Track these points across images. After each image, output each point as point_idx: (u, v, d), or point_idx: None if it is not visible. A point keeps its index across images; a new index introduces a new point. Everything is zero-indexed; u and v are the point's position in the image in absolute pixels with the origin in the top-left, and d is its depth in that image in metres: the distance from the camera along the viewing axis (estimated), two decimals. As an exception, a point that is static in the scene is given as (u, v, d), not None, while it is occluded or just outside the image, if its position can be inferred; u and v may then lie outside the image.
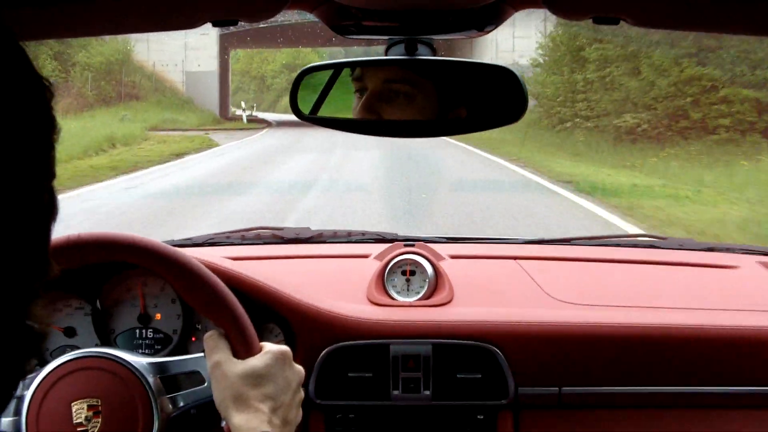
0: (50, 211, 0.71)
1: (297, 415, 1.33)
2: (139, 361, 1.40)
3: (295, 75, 1.46)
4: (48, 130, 0.70)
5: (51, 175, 0.71)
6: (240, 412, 1.24)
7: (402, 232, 2.34)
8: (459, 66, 1.41)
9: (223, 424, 1.30)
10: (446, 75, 1.40)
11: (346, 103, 1.43)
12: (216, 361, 1.30)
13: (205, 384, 1.39)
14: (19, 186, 0.66)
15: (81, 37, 1.41)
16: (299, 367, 1.36)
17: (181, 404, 1.40)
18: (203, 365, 1.39)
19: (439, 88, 1.39)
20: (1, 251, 0.64)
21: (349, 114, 1.43)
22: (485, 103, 1.43)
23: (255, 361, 1.30)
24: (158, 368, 1.41)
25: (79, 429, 1.32)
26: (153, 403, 1.36)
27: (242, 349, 1.33)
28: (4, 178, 0.64)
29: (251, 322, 1.37)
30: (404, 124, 1.41)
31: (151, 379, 1.38)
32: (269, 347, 1.34)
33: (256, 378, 1.28)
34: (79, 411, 1.33)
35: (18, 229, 0.66)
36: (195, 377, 1.41)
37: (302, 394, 1.36)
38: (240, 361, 1.30)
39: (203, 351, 1.36)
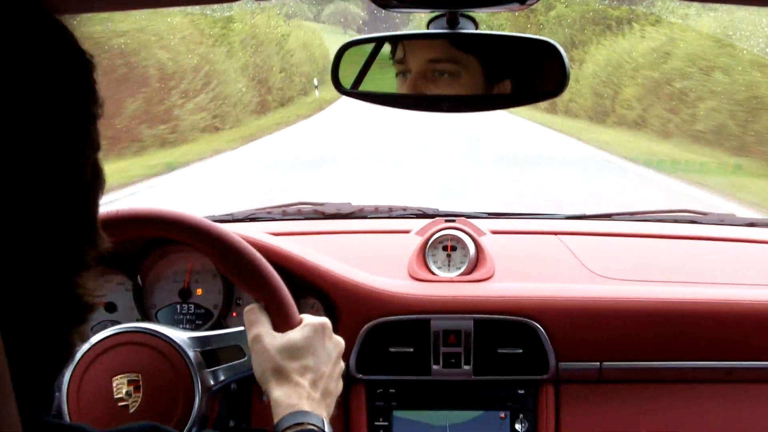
0: (95, 182, 0.72)
1: (337, 386, 1.33)
2: (179, 335, 1.42)
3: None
4: (88, 101, 0.71)
5: (95, 147, 0.72)
6: (280, 385, 1.25)
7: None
8: (501, 39, 1.40)
9: (265, 398, 1.30)
10: (489, 49, 1.39)
11: (388, 77, 1.43)
12: (256, 334, 1.30)
13: (245, 358, 1.40)
14: (61, 157, 0.67)
15: (110, 11, 1.40)
16: (339, 338, 1.37)
17: (222, 378, 1.41)
18: (243, 339, 1.39)
19: (484, 64, 1.38)
20: (47, 221, 0.66)
21: (393, 89, 1.43)
22: (529, 77, 1.42)
23: (294, 334, 1.30)
24: (198, 342, 1.42)
25: (120, 404, 1.34)
26: (194, 377, 1.38)
27: (282, 321, 1.33)
28: (44, 148, 0.65)
29: (291, 297, 1.37)
30: (450, 99, 1.41)
31: (191, 354, 1.39)
32: (309, 319, 1.35)
33: (295, 350, 1.28)
34: (120, 386, 1.35)
35: (62, 200, 0.67)
36: (235, 351, 1.42)
37: (342, 365, 1.36)
38: (279, 334, 1.31)
39: (243, 325, 1.37)
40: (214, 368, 1.41)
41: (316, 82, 30.04)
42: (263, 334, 1.30)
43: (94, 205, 0.73)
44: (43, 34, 0.67)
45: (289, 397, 1.23)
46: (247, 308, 1.35)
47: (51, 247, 0.67)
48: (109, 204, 1.04)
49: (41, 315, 0.68)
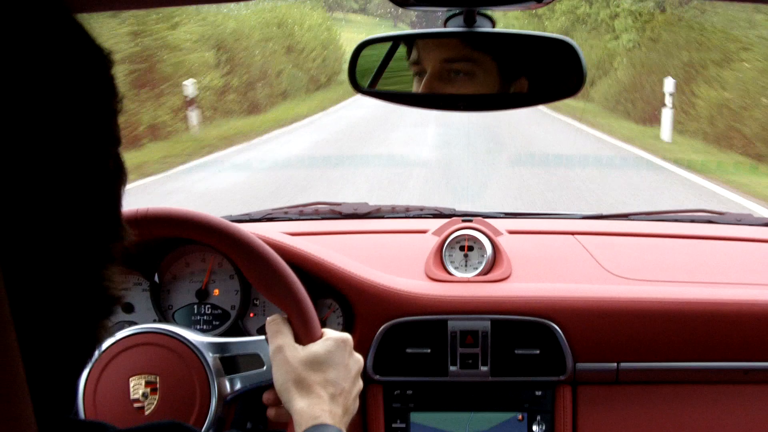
0: (117, 176, 0.73)
1: (354, 404, 1.33)
2: (199, 339, 1.41)
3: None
4: (108, 97, 0.72)
5: (116, 141, 0.73)
6: (302, 396, 1.24)
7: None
8: (518, 38, 1.40)
9: (269, 411, 1.30)
10: (506, 47, 1.39)
11: (406, 76, 1.43)
12: (278, 345, 1.30)
13: (264, 368, 1.39)
14: (83, 151, 0.68)
15: (126, 9, 1.39)
16: (359, 356, 1.36)
17: (239, 386, 1.40)
18: (264, 348, 1.39)
19: (499, 63, 1.38)
20: (71, 214, 0.67)
21: (410, 88, 1.43)
22: (546, 75, 1.42)
23: (317, 347, 1.30)
24: (218, 348, 1.41)
25: (135, 405, 1.33)
26: (211, 383, 1.37)
27: (304, 334, 1.32)
28: (67, 144, 0.66)
29: (311, 301, 1.37)
30: (467, 98, 1.40)
31: (210, 359, 1.39)
32: (330, 333, 1.34)
33: (317, 363, 1.28)
34: (137, 387, 1.34)
35: (85, 194, 0.68)
36: (254, 360, 1.41)
37: (361, 384, 1.35)
38: (301, 346, 1.30)
39: (264, 333, 1.36)
40: (231, 375, 1.40)
41: (189, 90, 14.58)
42: (285, 346, 1.30)
43: (118, 198, 0.74)
44: (60, 32, 0.68)
45: (311, 409, 1.22)
46: (269, 319, 1.34)
47: (78, 241, 0.68)
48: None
49: (69, 308, 0.68)
